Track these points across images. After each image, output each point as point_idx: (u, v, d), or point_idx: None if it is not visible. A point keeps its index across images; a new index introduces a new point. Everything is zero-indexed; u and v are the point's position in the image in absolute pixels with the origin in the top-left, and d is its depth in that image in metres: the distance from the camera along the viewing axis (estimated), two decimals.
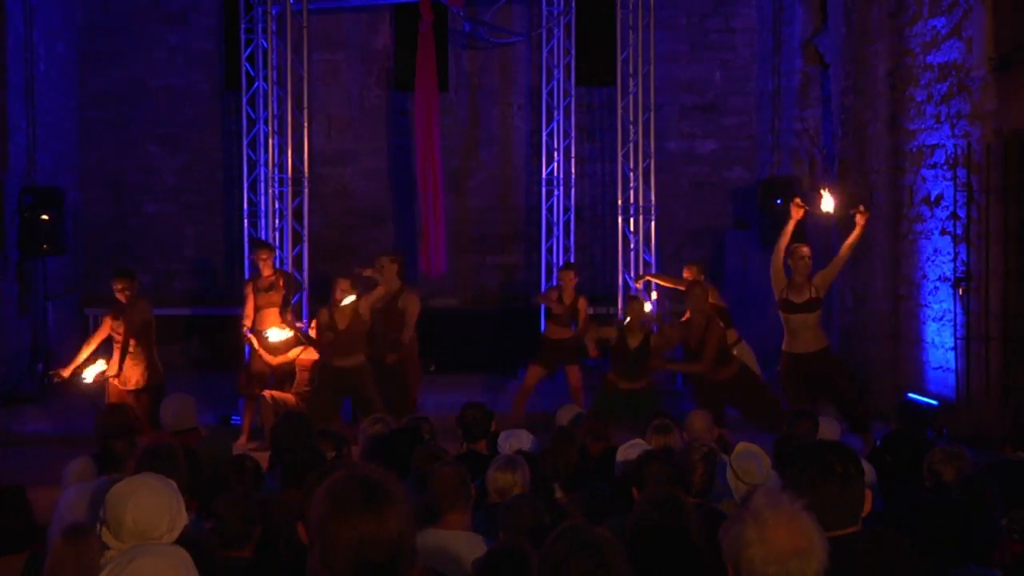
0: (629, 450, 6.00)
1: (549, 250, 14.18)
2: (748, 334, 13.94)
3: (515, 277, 15.58)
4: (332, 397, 10.15)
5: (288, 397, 10.47)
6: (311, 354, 10.69)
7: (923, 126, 11.35)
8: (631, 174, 13.42)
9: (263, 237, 12.85)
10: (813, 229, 13.41)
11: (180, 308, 14.81)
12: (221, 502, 4.82)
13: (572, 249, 14.18)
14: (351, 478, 2.40)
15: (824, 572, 2.54)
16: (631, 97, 13.44)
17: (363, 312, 10.21)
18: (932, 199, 11.18)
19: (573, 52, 14.22)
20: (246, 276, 13.09)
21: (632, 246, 13.35)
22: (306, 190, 12.85)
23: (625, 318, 10.82)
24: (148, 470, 4.25)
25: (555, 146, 14.24)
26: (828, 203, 9.94)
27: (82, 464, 5.72)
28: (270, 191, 12.73)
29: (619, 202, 13.45)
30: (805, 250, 9.73)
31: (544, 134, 14.36)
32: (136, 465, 5.02)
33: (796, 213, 9.69)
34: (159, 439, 6.92)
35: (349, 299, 10.10)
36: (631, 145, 13.45)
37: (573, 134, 14.15)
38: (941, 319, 11.04)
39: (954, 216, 10.75)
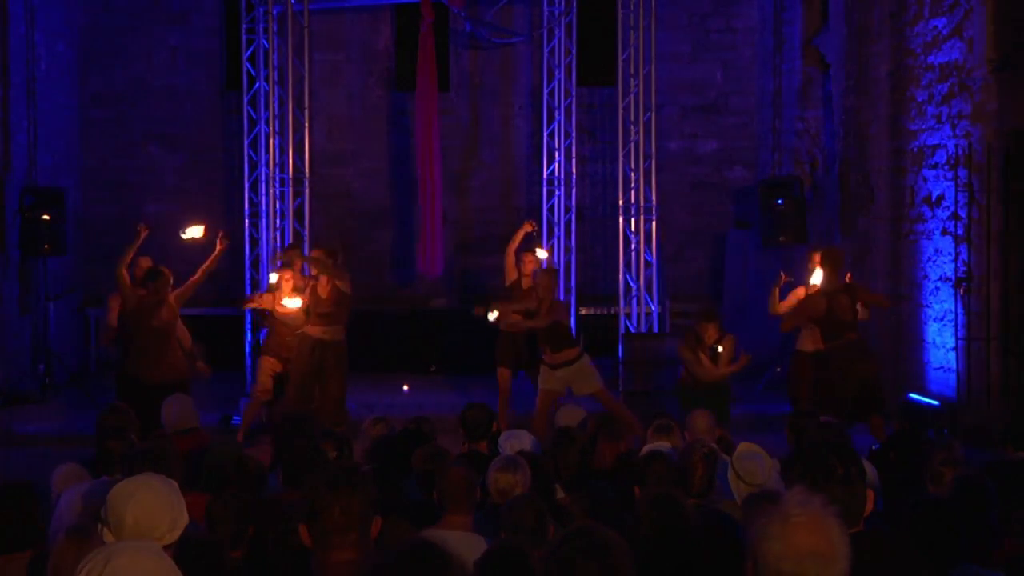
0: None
1: (550, 250, 14.17)
2: (748, 334, 13.95)
3: None
4: (311, 376, 10.08)
5: None
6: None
7: (924, 126, 11.35)
8: (632, 174, 13.41)
9: (264, 238, 12.85)
10: (814, 229, 13.43)
11: (180, 308, 14.77)
12: (213, 503, 4.82)
13: (573, 249, 14.18)
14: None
15: None
16: (632, 97, 13.43)
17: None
18: (933, 199, 11.18)
19: (574, 52, 14.21)
20: (246, 276, 13.10)
21: (633, 246, 13.34)
22: (307, 190, 12.85)
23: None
24: (141, 471, 4.24)
25: (556, 146, 14.23)
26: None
27: (69, 470, 5.71)
28: (271, 191, 12.73)
29: (620, 202, 13.43)
30: (817, 256, 9.90)
31: (545, 134, 14.35)
32: (128, 466, 5.01)
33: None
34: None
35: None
36: (632, 145, 13.44)
37: (574, 134, 14.14)
38: (942, 319, 11.04)
39: (955, 216, 10.75)
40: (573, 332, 11.16)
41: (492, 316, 10.43)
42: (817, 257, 9.88)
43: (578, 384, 10.20)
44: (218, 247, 10.45)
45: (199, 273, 10.22)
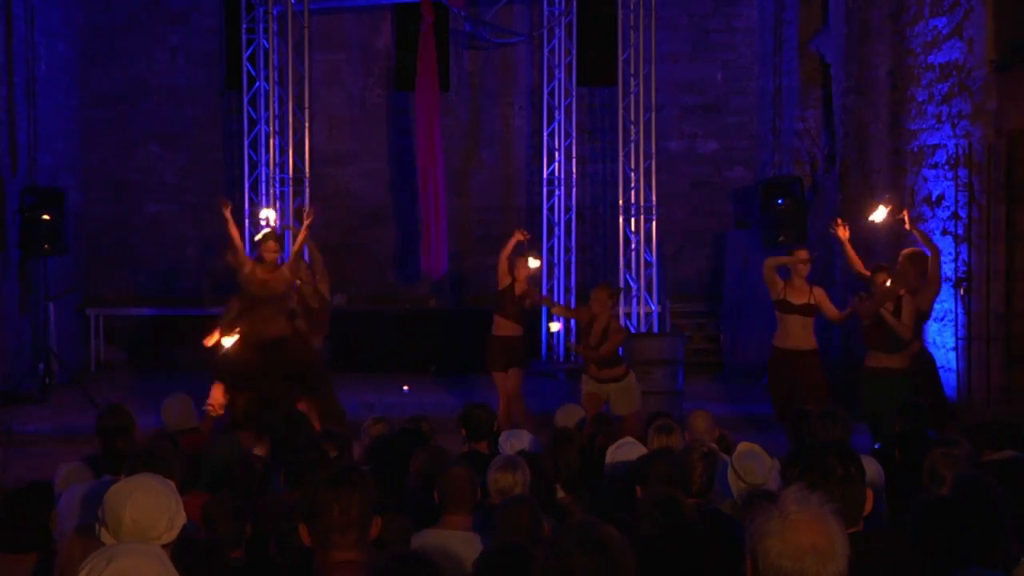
0: (618, 450, 5.99)
1: (550, 250, 14.18)
2: (748, 334, 13.97)
3: None
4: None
5: None
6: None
7: (924, 126, 11.34)
8: (632, 174, 13.42)
9: None
10: (814, 229, 13.43)
11: (181, 308, 14.81)
12: (211, 503, 4.83)
13: (573, 249, 14.17)
14: None
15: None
16: (632, 97, 13.44)
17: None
18: (933, 199, 11.17)
19: (574, 52, 14.22)
20: None
21: (633, 246, 13.35)
22: (307, 190, 12.85)
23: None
24: (142, 471, 4.24)
25: (556, 146, 14.23)
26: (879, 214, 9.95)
27: (72, 470, 5.71)
28: (271, 191, 12.74)
29: (620, 202, 13.45)
30: (804, 254, 10.01)
31: (545, 134, 14.35)
32: (130, 466, 5.01)
33: (842, 233, 9.96)
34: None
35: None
36: (632, 145, 13.44)
37: (574, 134, 14.14)
38: (942, 319, 11.03)
39: (955, 216, 10.75)
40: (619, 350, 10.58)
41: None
42: (906, 260, 9.83)
43: (618, 402, 9.96)
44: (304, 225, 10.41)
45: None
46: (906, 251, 9.97)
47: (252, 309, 9.97)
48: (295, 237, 10.56)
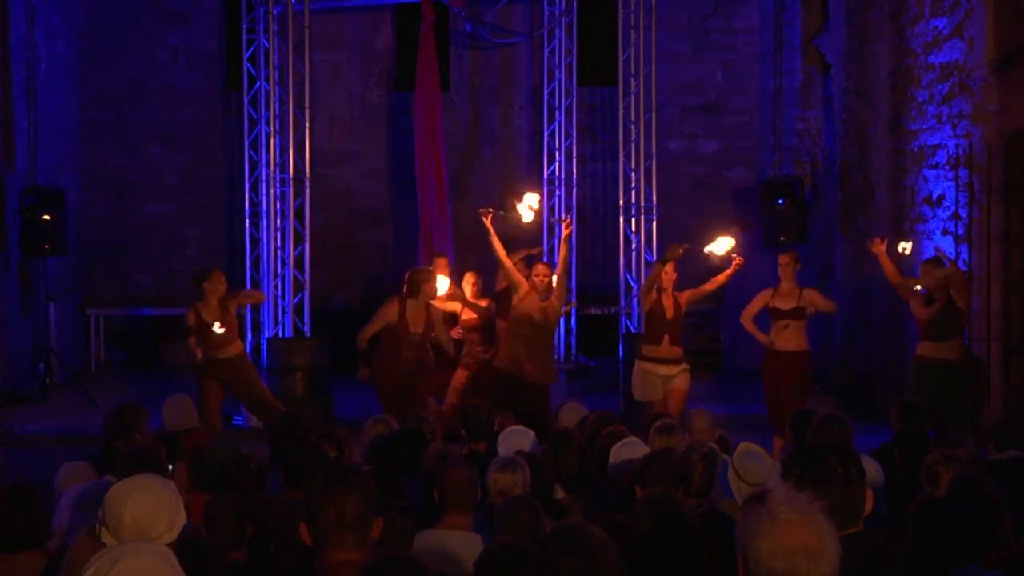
0: (622, 449, 5.99)
1: (551, 250, 14.16)
2: (749, 335, 13.93)
3: None
4: (215, 388, 10.04)
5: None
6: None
7: (924, 126, 11.34)
8: (633, 174, 13.41)
9: (264, 238, 12.83)
10: (814, 229, 13.43)
11: (182, 308, 14.77)
12: (212, 503, 4.83)
13: (573, 249, 14.14)
14: None
15: (835, 574, 2.53)
16: (633, 97, 13.43)
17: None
18: (934, 199, 11.17)
19: (575, 52, 14.20)
20: (246, 276, 13.08)
21: (634, 246, 13.34)
22: (308, 190, 12.83)
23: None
24: (134, 472, 4.24)
25: (556, 146, 14.22)
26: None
27: (74, 468, 5.71)
28: (271, 191, 12.71)
29: (620, 202, 13.43)
30: (784, 259, 10.16)
31: (545, 134, 14.34)
32: (122, 467, 5.01)
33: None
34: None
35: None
36: (633, 145, 13.43)
37: (575, 134, 14.13)
38: None
39: (956, 216, 10.75)
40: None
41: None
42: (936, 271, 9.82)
43: (680, 382, 9.94)
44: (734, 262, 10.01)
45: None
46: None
47: (517, 336, 9.38)
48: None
